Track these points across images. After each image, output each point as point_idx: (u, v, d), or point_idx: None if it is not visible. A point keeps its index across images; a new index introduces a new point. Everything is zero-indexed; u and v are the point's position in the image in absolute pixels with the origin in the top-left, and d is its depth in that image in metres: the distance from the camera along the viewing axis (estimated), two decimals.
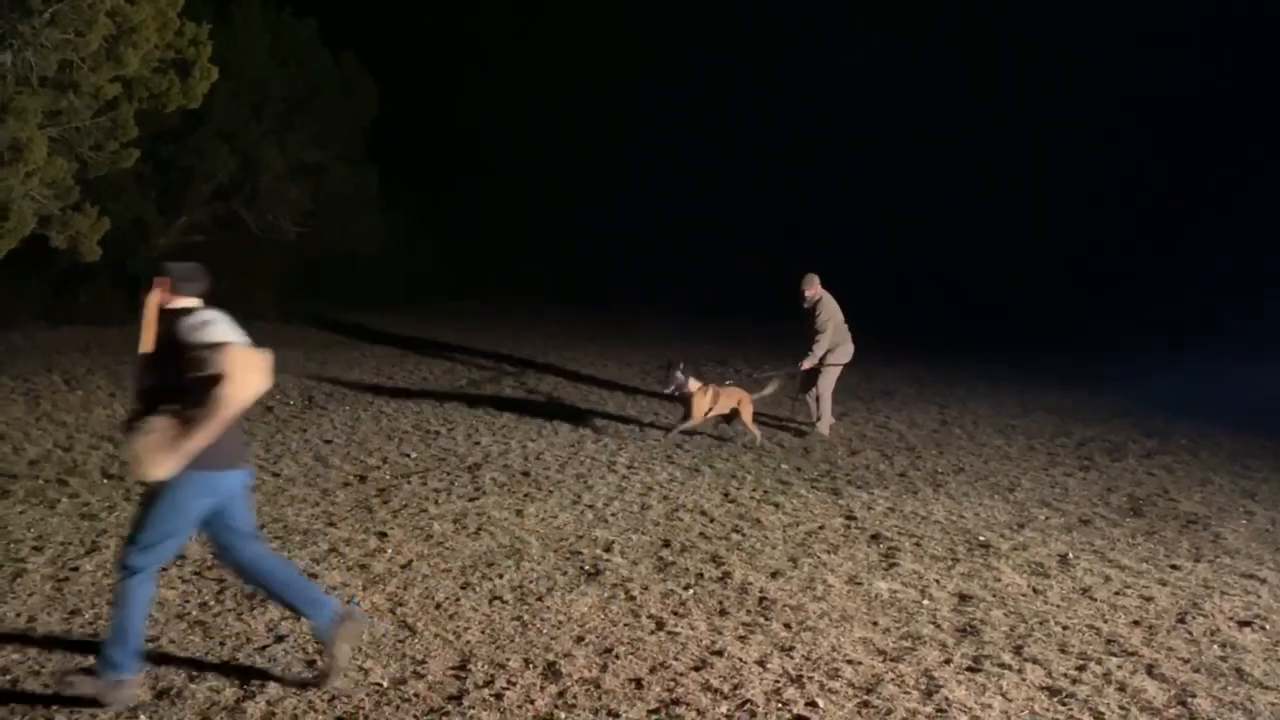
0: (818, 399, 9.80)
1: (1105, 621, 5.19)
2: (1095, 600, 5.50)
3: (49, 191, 9.03)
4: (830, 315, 9.57)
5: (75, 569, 5.37)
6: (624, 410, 10.52)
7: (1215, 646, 4.92)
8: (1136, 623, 5.19)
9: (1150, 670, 4.59)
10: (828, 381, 9.76)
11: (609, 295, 22.44)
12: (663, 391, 9.38)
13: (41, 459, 7.64)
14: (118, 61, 8.77)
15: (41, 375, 10.89)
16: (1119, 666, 4.61)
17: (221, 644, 4.50)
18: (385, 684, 4.16)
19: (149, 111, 9.97)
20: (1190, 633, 5.08)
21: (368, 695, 4.06)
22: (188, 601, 4.98)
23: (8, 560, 5.47)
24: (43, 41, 8.34)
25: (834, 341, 9.66)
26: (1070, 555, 6.29)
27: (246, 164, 16.07)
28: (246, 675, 4.19)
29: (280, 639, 4.56)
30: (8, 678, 4.11)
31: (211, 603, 4.98)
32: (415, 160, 21.58)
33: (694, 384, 9.06)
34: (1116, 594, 5.62)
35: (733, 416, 9.26)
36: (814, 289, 9.64)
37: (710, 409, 9.10)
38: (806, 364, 9.59)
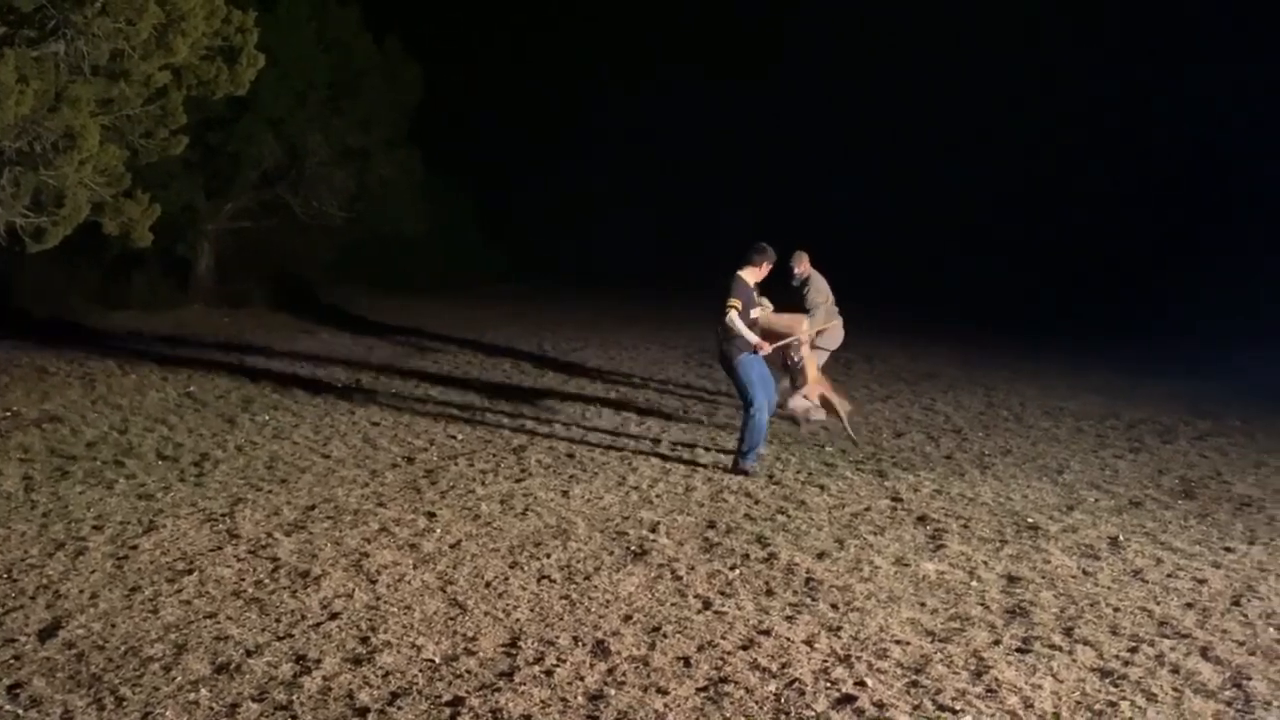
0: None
1: (1158, 604, 5.13)
2: (1147, 582, 5.44)
3: (102, 179, 9.16)
4: (821, 295, 8.94)
5: (134, 547, 5.50)
6: (666, 392, 10.54)
7: (1271, 629, 4.84)
8: (1190, 605, 5.12)
9: (1204, 653, 4.53)
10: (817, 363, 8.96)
11: (650, 280, 22.43)
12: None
13: (98, 441, 7.82)
14: (167, 49, 8.86)
15: (96, 359, 11.13)
16: (1172, 649, 4.56)
17: (277, 620, 4.59)
18: (438, 660, 4.23)
19: (197, 99, 10.09)
20: (1245, 615, 5.00)
21: (420, 671, 4.12)
22: (243, 579, 5.09)
23: (70, 539, 5.62)
24: (94, 31, 8.44)
25: (826, 323, 8.99)
26: (1121, 537, 6.21)
27: (292, 150, 16.22)
28: (302, 651, 4.27)
29: (334, 616, 4.64)
30: (74, 651, 4.23)
31: (266, 580, 5.07)
32: (458, 145, 21.67)
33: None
34: (1169, 576, 5.55)
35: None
36: (803, 266, 9.01)
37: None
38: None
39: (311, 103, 16.14)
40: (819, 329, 8.86)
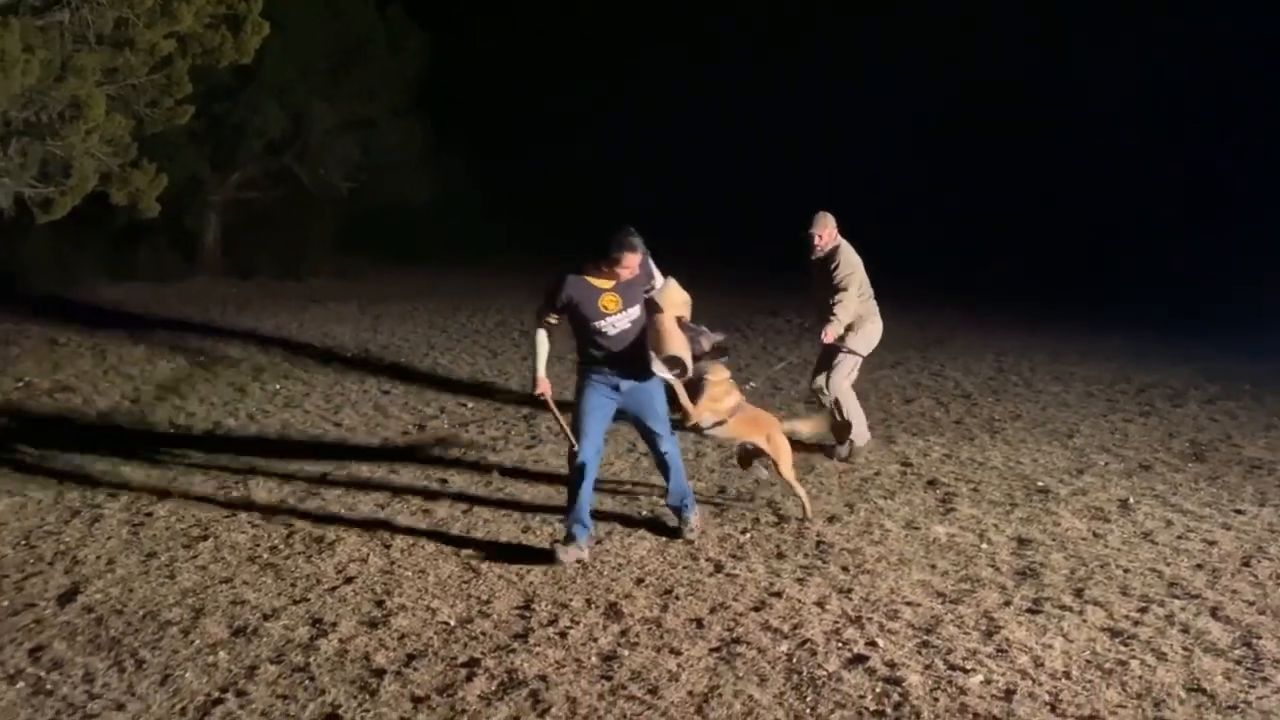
0: (835, 399, 6.87)
1: (1167, 565, 5.14)
2: (1157, 544, 5.45)
3: (108, 149, 9.14)
4: (854, 271, 6.67)
5: (149, 514, 5.55)
6: None
7: None
8: (1199, 566, 5.14)
9: (1214, 613, 4.55)
10: (844, 372, 6.91)
11: (658, 251, 22.35)
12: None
13: (111, 410, 7.86)
14: (172, 17, 8.82)
15: (105, 330, 11.15)
16: (1182, 609, 4.58)
17: (293, 585, 4.63)
18: (453, 623, 4.27)
19: (202, 68, 10.04)
20: (1255, 576, 5.01)
21: (436, 633, 4.16)
22: (258, 545, 5.13)
23: (85, 507, 5.67)
24: None
25: (857, 313, 6.75)
26: (1131, 500, 6.22)
27: (297, 119, 16.16)
28: (319, 614, 4.32)
29: (349, 580, 4.68)
30: (93, 615, 4.28)
31: (281, 546, 5.12)
32: (464, 113, 21.54)
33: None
34: (1179, 538, 5.56)
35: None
36: (828, 232, 6.72)
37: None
38: (830, 334, 6.55)
39: (316, 71, 16.06)
40: (846, 324, 6.66)
